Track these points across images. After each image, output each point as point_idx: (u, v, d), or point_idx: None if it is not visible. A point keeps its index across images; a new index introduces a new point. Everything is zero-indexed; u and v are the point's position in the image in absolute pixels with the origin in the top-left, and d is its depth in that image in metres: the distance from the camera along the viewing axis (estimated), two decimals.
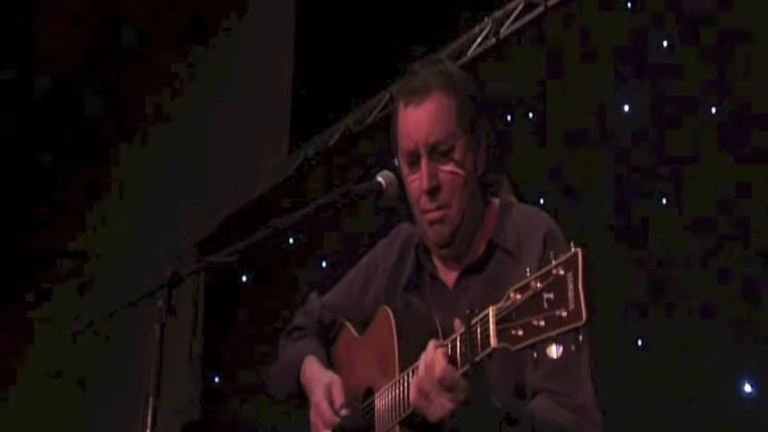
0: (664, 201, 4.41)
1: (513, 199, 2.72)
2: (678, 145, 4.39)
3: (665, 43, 4.57)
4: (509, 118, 5.22)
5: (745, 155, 4.11)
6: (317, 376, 2.76)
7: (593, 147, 4.76)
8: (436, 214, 2.58)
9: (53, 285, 8.92)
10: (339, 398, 2.66)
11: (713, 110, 4.29)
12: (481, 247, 2.61)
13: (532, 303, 1.97)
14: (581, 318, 1.87)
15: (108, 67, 8.66)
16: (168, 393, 2.45)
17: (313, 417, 2.73)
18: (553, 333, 1.92)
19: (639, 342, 4.33)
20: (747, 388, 3.94)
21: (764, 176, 4.02)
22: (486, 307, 2.11)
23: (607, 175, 4.64)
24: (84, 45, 8.54)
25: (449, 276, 2.67)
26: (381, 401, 2.52)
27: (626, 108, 4.68)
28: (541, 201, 4.64)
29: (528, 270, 2.02)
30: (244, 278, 7.09)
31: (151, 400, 2.34)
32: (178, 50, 8.10)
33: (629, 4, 4.80)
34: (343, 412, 2.64)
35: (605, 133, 4.72)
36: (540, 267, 2.00)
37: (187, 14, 7.94)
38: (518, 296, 2.01)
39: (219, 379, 7.14)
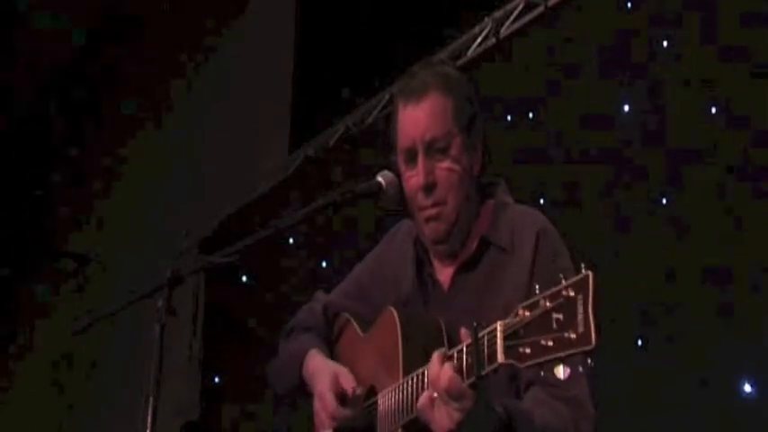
0: (664, 201, 4.41)
1: (509, 200, 2.73)
2: (678, 145, 4.39)
3: (665, 43, 4.57)
4: (509, 118, 5.23)
5: (745, 154, 4.11)
6: (321, 367, 2.74)
7: (592, 147, 4.76)
8: (432, 211, 2.60)
9: (53, 285, 8.93)
10: (350, 384, 2.63)
11: (713, 110, 4.29)
12: (474, 244, 2.63)
13: (541, 322, 1.97)
14: (590, 342, 1.87)
15: (108, 67, 8.67)
16: (168, 393, 2.45)
17: (317, 407, 2.71)
18: (561, 354, 1.91)
19: (639, 342, 4.33)
20: (747, 388, 3.94)
21: (765, 176, 4.02)
22: (492, 320, 2.10)
23: (607, 175, 4.64)
24: (83, 45, 8.55)
25: (445, 274, 2.68)
26: (384, 403, 2.52)
27: (626, 108, 4.68)
28: (541, 201, 4.64)
29: (537, 288, 2.01)
30: (244, 278, 7.09)
31: (151, 400, 2.34)
32: (178, 50, 8.11)
33: (629, 4, 4.80)
34: (354, 393, 2.61)
35: (605, 133, 4.72)
36: (549, 287, 1.99)
37: (187, 14, 7.95)
38: (526, 313, 2.00)
39: (219, 379, 7.14)
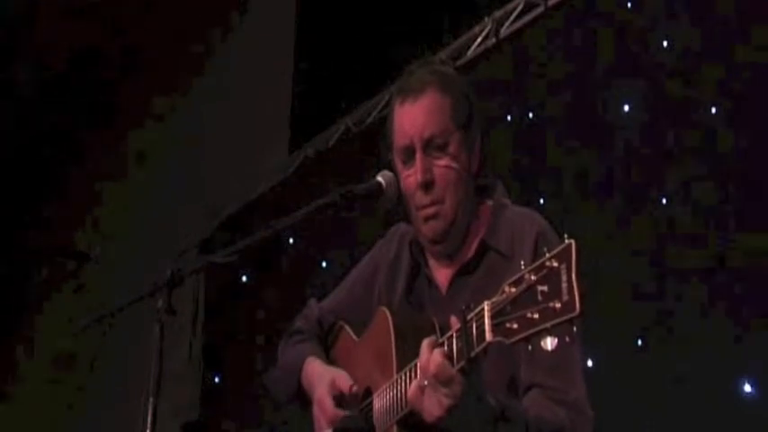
0: (663, 201, 4.41)
1: (508, 201, 2.73)
2: (678, 145, 4.39)
3: (664, 43, 4.57)
4: (509, 118, 5.22)
5: (745, 155, 4.11)
6: (319, 373, 2.75)
7: (592, 147, 4.76)
8: (430, 210, 2.59)
9: (53, 285, 8.92)
10: (346, 386, 2.64)
11: (713, 110, 4.29)
12: (473, 248, 2.62)
13: (526, 296, 1.97)
14: (575, 309, 1.88)
15: (108, 66, 8.67)
16: (168, 393, 2.45)
17: (316, 412, 2.72)
18: (547, 325, 1.92)
19: (639, 342, 4.33)
20: (747, 388, 3.94)
21: (765, 176, 4.02)
22: (482, 303, 2.11)
23: (607, 175, 4.64)
24: (84, 44, 8.54)
25: (442, 276, 2.67)
26: (379, 401, 2.53)
27: (626, 108, 4.68)
28: (541, 201, 4.64)
29: (522, 264, 2.02)
30: (244, 278, 7.09)
31: (151, 400, 2.34)
32: (178, 50, 8.10)
33: (629, 4, 4.80)
34: (350, 395, 2.62)
35: (605, 133, 4.72)
36: (533, 261, 2.00)
37: (187, 14, 7.94)
38: (512, 290, 2.01)
39: (219, 379, 7.15)
